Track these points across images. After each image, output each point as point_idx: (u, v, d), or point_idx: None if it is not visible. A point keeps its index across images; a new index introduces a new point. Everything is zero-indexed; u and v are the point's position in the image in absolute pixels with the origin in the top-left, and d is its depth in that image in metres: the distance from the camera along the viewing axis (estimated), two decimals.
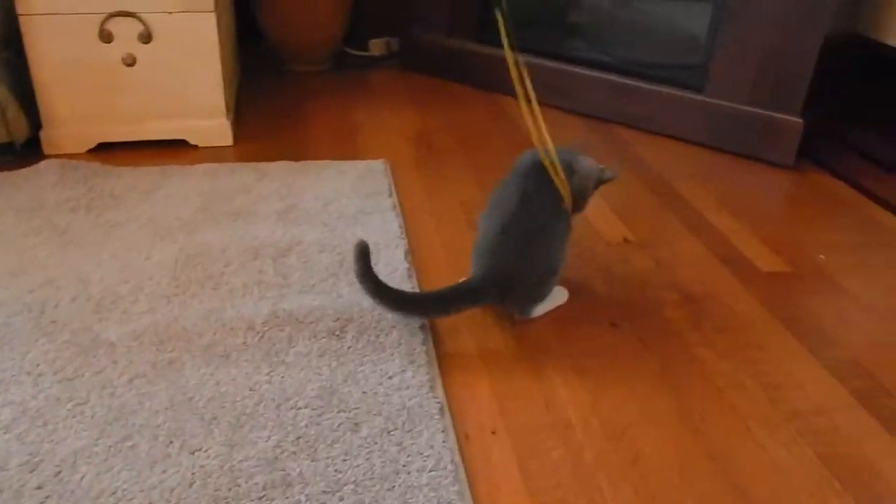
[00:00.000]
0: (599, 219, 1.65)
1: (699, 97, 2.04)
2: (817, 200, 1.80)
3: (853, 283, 1.45)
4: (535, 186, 1.25)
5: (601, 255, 1.51)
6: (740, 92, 1.97)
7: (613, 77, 2.18)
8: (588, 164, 1.35)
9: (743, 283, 1.42)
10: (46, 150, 1.87)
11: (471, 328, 1.25)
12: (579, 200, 1.31)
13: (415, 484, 0.94)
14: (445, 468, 0.96)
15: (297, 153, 1.92)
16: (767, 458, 1.01)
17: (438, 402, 1.07)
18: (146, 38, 1.81)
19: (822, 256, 1.53)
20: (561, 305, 1.32)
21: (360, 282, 1.19)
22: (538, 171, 1.26)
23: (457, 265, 1.43)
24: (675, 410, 1.09)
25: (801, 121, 1.89)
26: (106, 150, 1.89)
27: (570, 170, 1.30)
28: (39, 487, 0.93)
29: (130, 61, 1.83)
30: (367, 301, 1.29)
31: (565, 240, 1.28)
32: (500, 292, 1.23)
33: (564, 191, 1.25)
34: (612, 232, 1.59)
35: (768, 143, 1.95)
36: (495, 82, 2.38)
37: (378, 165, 1.84)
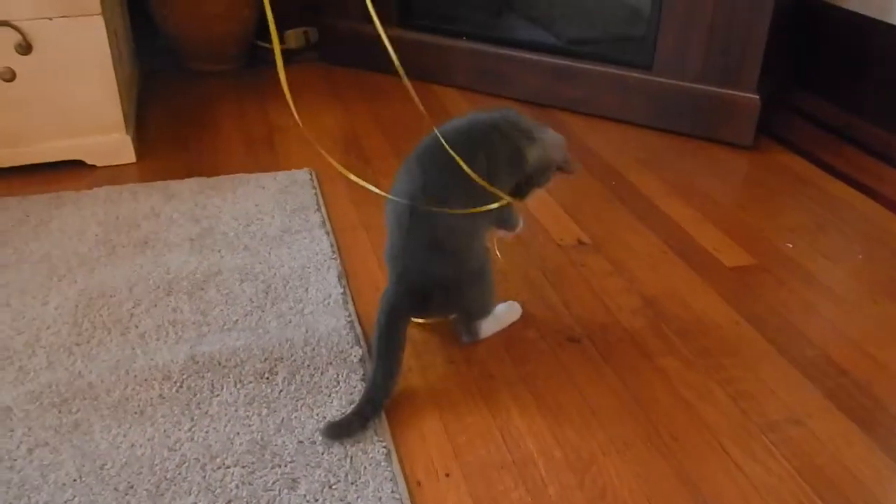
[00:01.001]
0: (548, 217, 1.65)
1: (646, 76, 2.06)
2: (777, 180, 1.83)
3: (819, 269, 1.48)
4: (433, 175, 1.13)
5: (553, 258, 1.51)
6: (690, 69, 2.00)
7: (552, 58, 2.18)
8: (554, 136, 1.27)
9: (705, 280, 1.44)
10: None
11: (415, 358, 1.23)
12: (536, 178, 1.23)
13: None
14: None
15: (209, 167, 1.87)
16: (743, 477, 1.02)
17: (385, 447, 1.05)
18: (25, 48, 1.73)
19: (789, 245, 1.56)
20: (514, 323, 1.31)
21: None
22: (435, 157, 1.13)
23: None
24: (643, 431, 1.09)
25: (757, 97, 1.92)
26: None
27: (529, 137, 1.22)
28: None
29: (9, 76, 1.75)
30: (298, 335, 1.26)
31: (479, 236, 1.18)
32: (417, 304, 1.17)
33: (478, 178, 1.11)
34: (563, 232, 1.60)
35: (723, 122, 1.98)
36: (424, 70, 2.36)
37: (303, 176, 1.81)
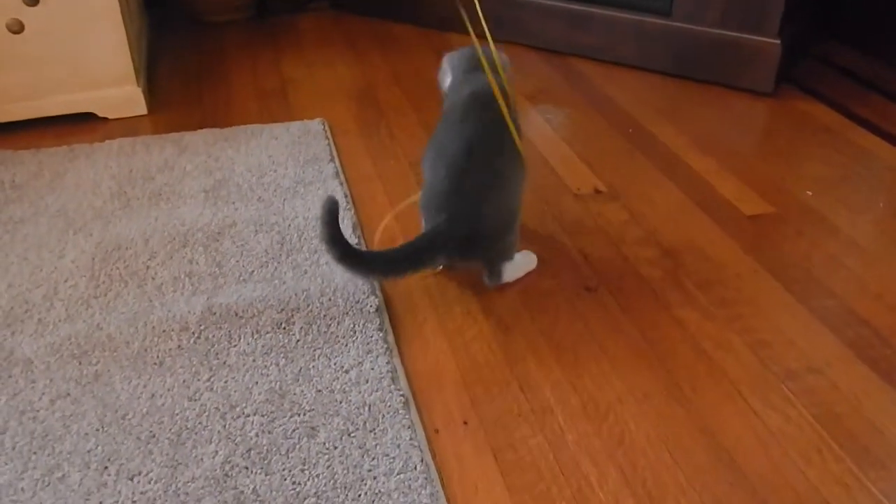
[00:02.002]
0: (565, 166, 1.63)
1: (664, 21, 2.02)
2: (799, 129, 1.80)
3: (841, 219, 1.46)
4: (484, 121, 1.22)
5: (570, 208, 1.49)
6: (710, 14, 1.95)
7: (568, 4, 2.13)
8: (506, 60, 1.38)
9: (724, 229, 1.43)
10: None
11: (432, 309, 1.23)
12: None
13: (382, 490, 0.93)
14: (415, 469, 0.95)
15: (222, 118, 1.86)
16: (762, 426, 1.02)
17: (402, 396, 1.06)
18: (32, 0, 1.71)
19: (808, 193, 1.54)
20: (532, 273, 1.31)
21: (328, 249, 1.15)
22: (483, 103, 1.24)
23: (410, 230, 1.40)
24: (661, 382, 1.09)
25: (778, 42, 1.88)
26: (2, 132, 1.80)
27: (504, 67, 1.32)
28: None
29: (17, 28, 1.73)
30: (314, 286, 1.27)
31: (524, 178, 1.27)
32: (461, 245, 1.19)
33: (516, 128, 1.23)
34: (580, 181, 1.58)
35: (743, 69, 1.94)
36: (443, 19, 2.32)
37: (315, 126, 1.80)
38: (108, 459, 0.99)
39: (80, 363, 1.14)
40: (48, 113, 1.83)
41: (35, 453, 1.00)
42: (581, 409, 1.05)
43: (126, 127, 1.84)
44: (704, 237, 1.41)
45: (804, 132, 1.79)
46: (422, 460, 0.97)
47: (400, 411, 1.04)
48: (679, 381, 1.09)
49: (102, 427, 1.04)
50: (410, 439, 1.00)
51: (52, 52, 1.77)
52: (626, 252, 1.37)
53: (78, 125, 1.84)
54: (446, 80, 1.40)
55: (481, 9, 1.28)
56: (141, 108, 1.89)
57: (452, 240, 1.19)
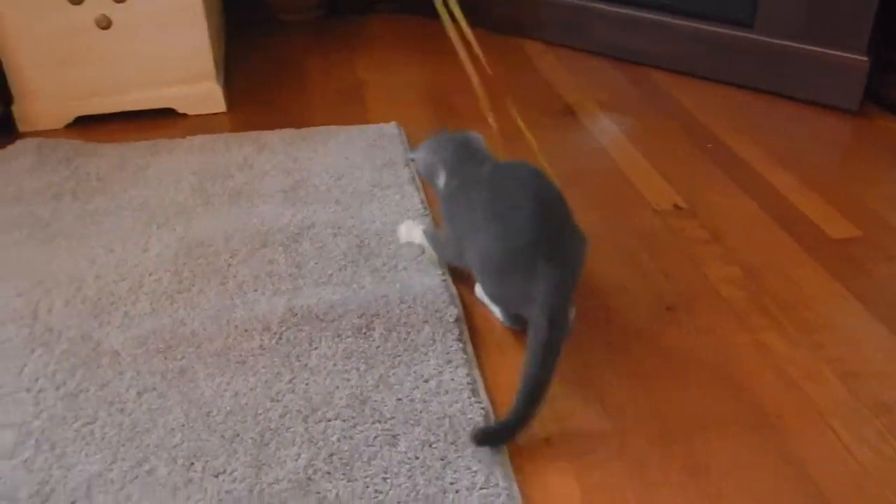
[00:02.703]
0: (643, 180, 1.62)
1: (745, 33, 1.98)
2: (884, 149, 1.75)
3: None
4: (536, 186, 1.16)
5: (648, 224, 1.48)
6: (794, 27, 1.91)
7: (644, 13, 2.11)
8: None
9: (809, 252, 1.40)
10: (21, 127, 1.83)
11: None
12: None
13: None
14: (497, 485, 0.95)
15: (298, 118, 1.88)
16: (854, 461, 0.99)
17: (483, 408, 1.06)
18: None
19: None
20: (607, 288, 1.30)
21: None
22: (517, 177, 1.19)
23: None
24: (743, 408, 1.07)
25: (866, 59, 1.83)
26: (86, 125, 1.85)
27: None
28: None
29: (105, 24, 1.78)
30: (393, 292, 1.27)
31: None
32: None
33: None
34: (659, 196, 1.56)
35: (828, 84, 1.90)
36: (518, 24, 2.32)
37: (391, 130, 1.81)
38: (194, 456, 1.01)
39: (165, 358, 1.16)
40: (130, 107, 1.87)
41: (123, 445, 1.03)
42: (660, 433, 1.04)
43: (204, 123, 1.88)
44: (788, 259, 1.38)
45: (889, 152, 1.74)
46: (504, 476, 0.97)
47: (481, 425, 1.04)
48: (763, 409, 1.07)
49: (188, 423, 1.06)
50: (493, 454, 0.99)
51: (137, 47, 1.81)
52: (706, 271, 1.35)
53: (158, 120, 1.88)
54: (439, 174, 1.31)
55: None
56: (220, 106, 1.92)
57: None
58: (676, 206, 1.53)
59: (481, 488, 0.95)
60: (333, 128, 1.82)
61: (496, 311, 1.23)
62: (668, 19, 2.08)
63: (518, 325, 1.19)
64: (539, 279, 1.06)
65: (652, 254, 1.39)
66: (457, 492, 0.95)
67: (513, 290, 1.12)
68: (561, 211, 1.16)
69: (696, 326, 1.22)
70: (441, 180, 1.30)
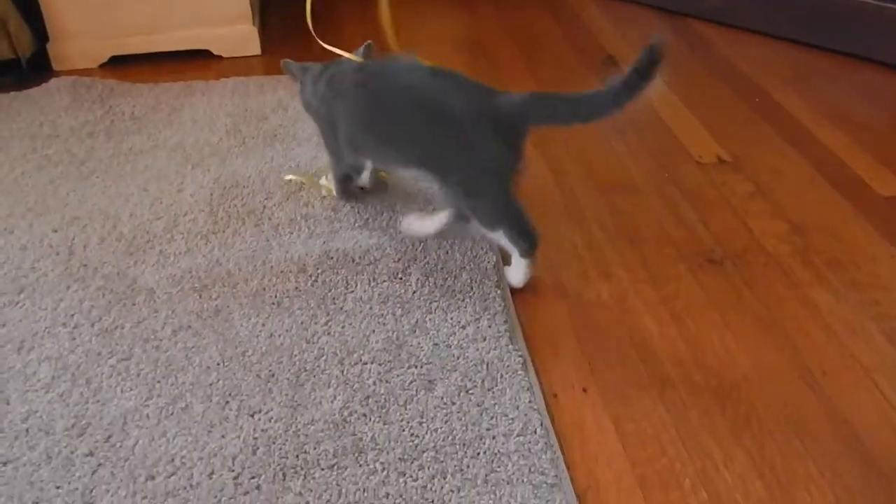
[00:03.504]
0: (686, 132, 1.57)
1: None
2: None
3: None
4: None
5: (691, 176, 1.43)
6: None
7: None
8: None
9: (858, 209, 1.35)
10: (56, 65, 1.82)
11: (547, 267, 1.20)
12: None
13: (501, 450, 0.92)
14: (535, 433, 0.93)
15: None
16: None
17: (521, 356, 1.04)
18: None
19: None
20: (649, 239, 1.26)
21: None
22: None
23: (526, 189, 1.37)
24: (790, 363, 1.04)
25: None
26: (120, 65, 1.83)
27: None
28: (90, 454, 0.93)
29: None
30: (431, 238, 1.24)
31: None
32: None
33: None
34: (702, 148, 1.51)
35: (881, 39, 1.82)
36: None
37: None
38: (230, 394, 1.00)
39: (200, 297, 1.15)
40: (166, 48, 1.85)
41: (159, 382, 1.02)
42: (704, 384, 1.01)
43: (238, 66, 1.85)
44: (836, 215, 1.33)
45: None
46: (541, 424, 0.95)
47: (518, 372, 1.02)
48: (809, 364, 1.04)
49: (223, 362, 1.05)
50: (529, 402, 0.98)
51: None
52: (751, 225, 1.30)
53: (192, 62, 1.85)
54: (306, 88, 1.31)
55: None
56: (255, 48, 1.89)
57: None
58: (720, 160, 1.48)
59: (518, 435, 0.93)
60: None
61: (434, 225, 1.20)
62: None
63: (530, 224, 1.13)
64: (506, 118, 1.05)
65: (694, 206, 1.35)
66: (493, 438, 0.93)
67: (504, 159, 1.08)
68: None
69: (741, 280, 1.18)
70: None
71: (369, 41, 1.32)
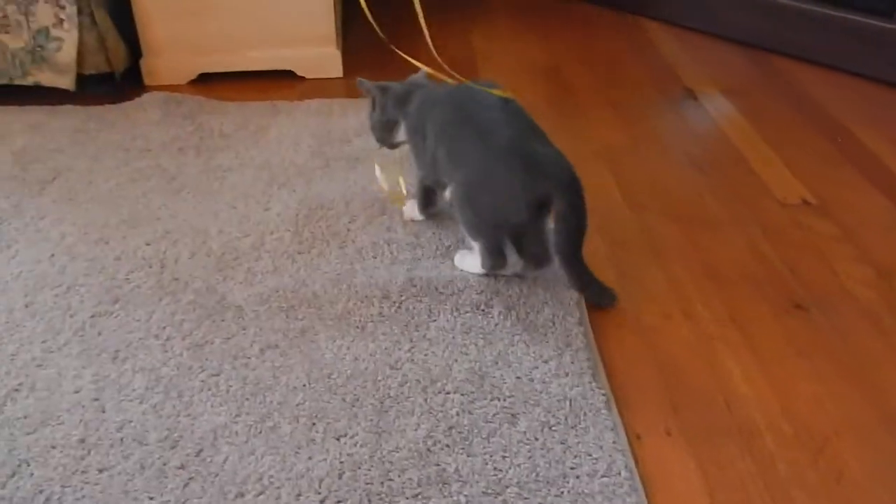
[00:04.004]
0: (769, 172, 1.54)
1: (885, 24, 1.86)
2: None
3: None
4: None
5: (774, 217, 1.41)
6: None
7: None
8: None
9: None
10: (147, 80, 1.88)
11: (629, 305, 1.19)
12: None
13: (586, 491, 0.91)
14: (619, 474, 0.93)
15: None
16: None
17: (604, 395, 1.04)
18: None
19: None
20: (733, 279, 1.25)
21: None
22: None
23: (603, 216, 1.37)
24: (882, 415, 1.02)
25: None
26: (207, 82, 1.88)
27: None
28: (182, 467, 0.95)
29: None
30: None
31: None
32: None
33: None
34: (786, 189, 1.49)
35: None
36: (634, 2, 2.24)
37: None
38: (316, 416, 1.01)
39: (286, 316, 1.17)
40: (252, 67, 1.89)
41: (248, 399, 1.04)
42: (793, 435, 0.99)
43: (320, 87, 1.88)
44: None
45: None
46: (626, 466, 0.94)
47: (602, 411, 1.01)
48: None
49: (309, 383, 1.06)
50: (614, 442, 0.97)
51: (262, 8, 1.82)
52: (837, 270, 1.28)
53: (275, 82, 1.90)
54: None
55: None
56: (337, 71, 1.92)
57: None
58: (805, 201, 1.46)
59: (603, 476, 0.93)
60: None
61: (475, 264, 1.23)
62: (798, 4, 1.97)
63: (500, 262, 1.21)
64: (543, 166, 1.13)
65: (778, 248, 1.33)
66: (577, 477, 0.93)
67: (514, 191, 1.14)
68: (526, 118, 1.22)
69: (829, 327, 1.16)
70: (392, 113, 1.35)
71: (424, 69, 1.43)
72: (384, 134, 1.37)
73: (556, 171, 1.13)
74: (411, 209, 1.37)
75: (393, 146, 1.39)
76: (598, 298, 1.18)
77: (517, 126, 1.18)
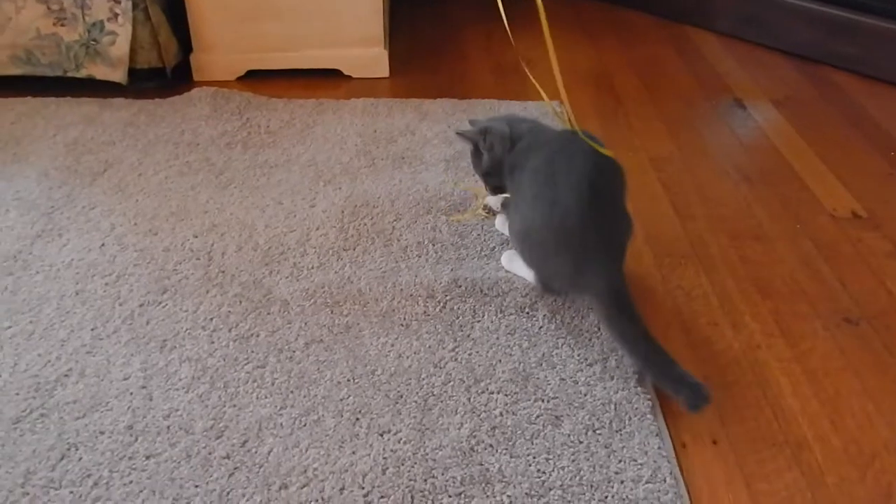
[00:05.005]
0: (819, 184, 1.53)
1: None
2: None
3: None
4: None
5: (825, 231, 1.40)
6: None
7: (831, 9, 1.98)
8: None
9: None
10: (196, 76, 1.91)
11: (675, 313, 1.19)
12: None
13: (630, 496, 0.91)
14: (664, 481, 0.92)
15: (458, 89, 1.87)
16: None
17: (649, 400, 1.03)
18: None
19: None
20: (782, 292, 1.24)
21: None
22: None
23: (652, 225, 1.36)
24: None
25: None
26: (256, 78, 1.91)
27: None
28: (227, 457, 0.96)
29: None
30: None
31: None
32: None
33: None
34: (836, 202, 1.47)
35: None
36: (681, 10, 2.23)
37: (554, 108, 1.77)
38: (360, 411, 1.02)
39: (332, 312, 1.19)
40: (300, 65, 1.92)
41: (292, 392, 1.05)
42: (843, 450, 0.98)
43: (367, 87, 1.90)
44: None
45: None
46: (671, 473, 0.94)
47: (647, 416, 1.01)
48: None
49: (353, 378, 1.07)
50: (659, 448, 0.97)
51: (312, 8, 1.84)
52: (890, 286, 1.26)
53: (323, 80, 1.92)
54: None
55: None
56: (384, 71, 1.94)
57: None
58: (855, 215, 1.44)
59: (647, 482, 0.93)
60: (494, 101, 1.81)
61: (528, 275, 1.22)
62: (851, 15, 1.95)
63: (549, 293, 1.20)
64: (590, 264, 1.09)
65: (829, 261, 1.31)
66: (622, 482, 0.93)
67: (556, 269, 1.14)
68: (612, 188, 1.15)
69: (881, 343, 1.14)
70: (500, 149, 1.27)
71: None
72: (498, 176, 1.28)
73: (597, 281, 1.08)
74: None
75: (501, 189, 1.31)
76: (687, 396, 1.00)
77: (595, 198, 1.10)
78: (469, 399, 1.04)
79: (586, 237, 1.09)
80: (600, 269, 1.09)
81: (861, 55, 1.96)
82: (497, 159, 1.26)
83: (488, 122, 1.31)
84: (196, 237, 1.35)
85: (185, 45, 1.89)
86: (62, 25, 1.75)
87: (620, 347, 1.08)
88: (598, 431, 0.99)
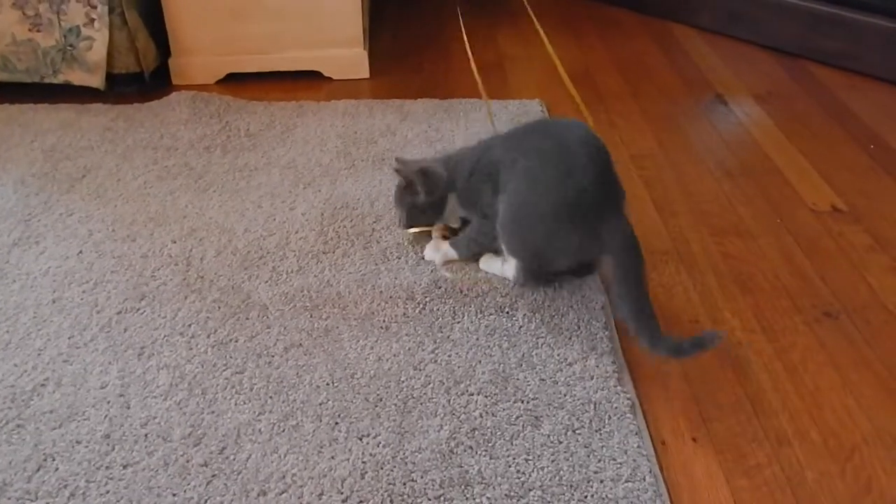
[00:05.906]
0: (801, 178, 1.53)
1: None
2: None
3: None
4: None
5: (805, 224, 1.40)
6: None
7: (812, 3, 1.99)
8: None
9: None
10: (175, 79, 1.90)
11: (657, 311, 1.18)
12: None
13: (609, 496, 0.91)
14: (644, 480, 0.93)
15: (440, 89, 1.87)
16: None
17: (629, 399, 1.03)
18: None
19: None
20: (763, 287, 1.24)
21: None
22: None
23: (634, 222, 1.36)
24: None
25: None
26: (235, 82, 1.91)
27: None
28: (205, 465, 0.96)
29: None
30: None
31: None
32: None
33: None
34: (816, 196, 1.48)
35: None
36: (665, 7, 2.24)
37: (534, 106, 1.78)
38: (339, 416, 1.02)
39: (311, 316, 1.18)
40: (280, 68, 1.91)
41: (271, 397, 1.05)
42: (822, 444, 0.98)
43: (347, 88, 1.90)
44: None
45: None
46: (650, 472, 0.94)
47: (627, 415, 1.01)
48: None
49: (332, 382, 1.07)
50: (638, 447, 0.97)
51: (291, 10, 1.84)
52: (870, 280, 1.27)
53: (302, 82, 1.91)
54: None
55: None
56: (364, 72, 1.94)
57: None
58: (836, 209, 1.44)
59: (627, 481, 0.93)
60: (476, 100, 1.80)
61: (503, 270, 1.23)
62: (836, 11, 1.96)
63: (537, 284, 1.21)
64: (608, 223, 1.11)
65: (809, 256, 1.32)
66: (601, 482, 0.93)
67: (565, 242, 1.14)
68: (607, 156, 1.17)
69: (860, 337, 1.15)
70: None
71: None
72: (429, 215, 1.30)
73: (614, 236, 1.11)
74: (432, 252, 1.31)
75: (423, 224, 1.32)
76: (672, 351, 1.04)
77: (601, 165, 1.14)
78: (449, 401, 1.04)
79: (602, 200, 1.12)
80: (617, 225, 1.11)
81: (843, 50, 1.97)
82: (435, 200, 1.26)
83: (424, 164, 1.30)
84: (175, 242, 1.35)
85: (164, 49, 1.88)
86: (38, 31, 1.74)
87: (626, 299, 1.07)
88: (577, 431, 0.99)
